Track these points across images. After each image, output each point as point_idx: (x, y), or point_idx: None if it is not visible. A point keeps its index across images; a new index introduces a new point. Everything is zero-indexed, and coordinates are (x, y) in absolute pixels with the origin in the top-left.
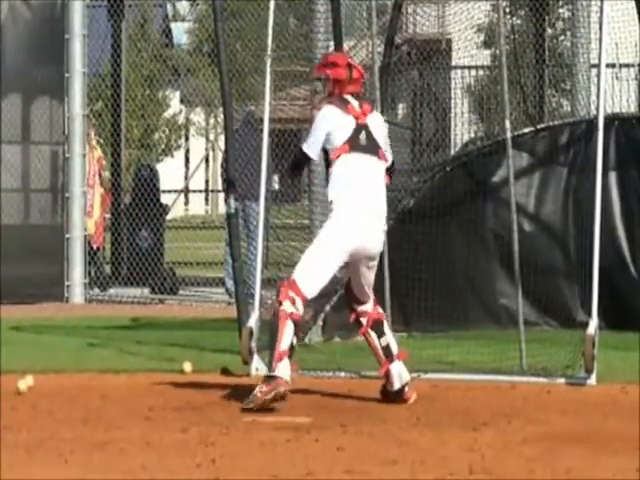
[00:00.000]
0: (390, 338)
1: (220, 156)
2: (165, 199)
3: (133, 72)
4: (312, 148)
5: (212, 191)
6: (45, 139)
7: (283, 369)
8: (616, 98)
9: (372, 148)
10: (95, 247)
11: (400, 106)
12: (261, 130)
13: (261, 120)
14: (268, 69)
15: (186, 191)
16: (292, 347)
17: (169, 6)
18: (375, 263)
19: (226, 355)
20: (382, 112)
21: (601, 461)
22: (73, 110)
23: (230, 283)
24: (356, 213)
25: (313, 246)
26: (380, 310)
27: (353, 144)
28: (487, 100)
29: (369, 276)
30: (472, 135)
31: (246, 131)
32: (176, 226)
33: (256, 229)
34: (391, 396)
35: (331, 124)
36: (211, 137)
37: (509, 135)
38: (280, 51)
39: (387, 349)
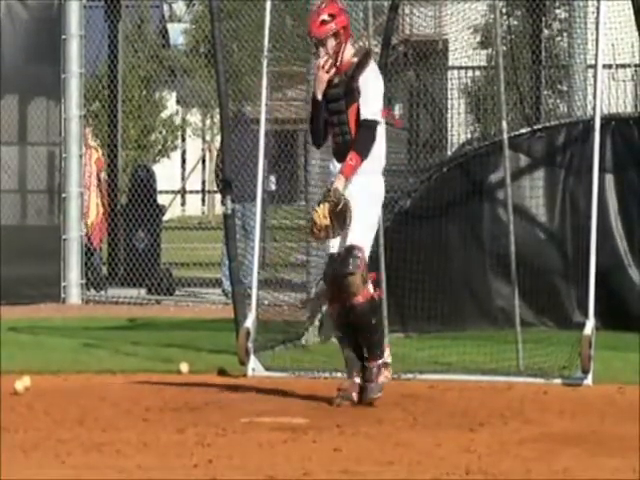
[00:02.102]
0: None
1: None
2: (162, 200)
3: (130, 73)
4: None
5: (209, 192)
6: (42, 140)
7: None
8: (613, 99)
9: None
10: (92, 248)
11: (397, 107)
12: (257, 131)
13: (257, 121)
14: (265, 70)
15: (183, 192)
16: None
17: (166, 7)
18: None
19: (223, 356)
20: None
21: (598, 461)
22: (70, 111)
23: (227, 284)
24: None
25: None
26: None
27: None
28: (484, 101)
29: None
30: (469, 136)
31: (242, 130)
32: (173, 227)
33: (254, 230)
34: None
35: None
36: (207, 138)
37: (506, 136)
38: (277, 52)
39: None
